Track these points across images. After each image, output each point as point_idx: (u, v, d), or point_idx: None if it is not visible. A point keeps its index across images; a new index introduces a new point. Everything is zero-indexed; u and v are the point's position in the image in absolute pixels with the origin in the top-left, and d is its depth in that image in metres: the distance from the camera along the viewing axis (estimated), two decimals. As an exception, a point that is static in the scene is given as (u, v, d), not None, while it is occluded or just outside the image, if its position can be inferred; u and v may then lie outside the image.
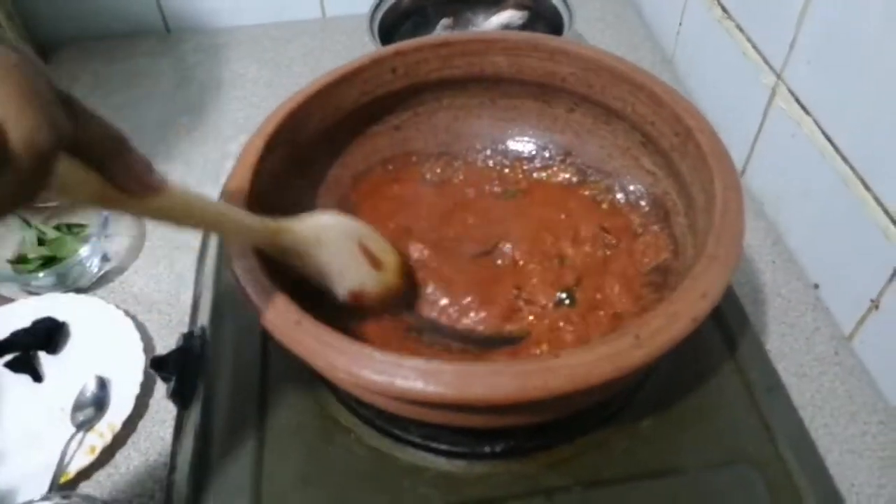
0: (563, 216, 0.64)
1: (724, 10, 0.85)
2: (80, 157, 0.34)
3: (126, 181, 0.36)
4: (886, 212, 0.61)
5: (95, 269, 0.75)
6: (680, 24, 0.98)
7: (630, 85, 0.59)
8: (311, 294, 0.51)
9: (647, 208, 0.62)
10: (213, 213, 0.45)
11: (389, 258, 0.57)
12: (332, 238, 0.53)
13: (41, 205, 0.78)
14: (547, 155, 0.68)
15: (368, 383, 0.41)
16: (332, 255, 0.52)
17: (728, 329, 0.60)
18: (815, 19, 0.68)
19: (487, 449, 0.52)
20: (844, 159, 0.66)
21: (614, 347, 0.41)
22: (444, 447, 0.52)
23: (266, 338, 0.59)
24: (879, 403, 0.63)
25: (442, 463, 0.53)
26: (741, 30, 0.81)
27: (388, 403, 0.47)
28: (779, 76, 0.74)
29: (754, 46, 0.79)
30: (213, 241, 0.67)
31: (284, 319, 0.44)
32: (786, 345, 0.67)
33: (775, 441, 0.53)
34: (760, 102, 0.78)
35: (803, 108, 0.71)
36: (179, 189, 0.40)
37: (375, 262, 0.55)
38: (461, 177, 0.68)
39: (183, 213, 0.42)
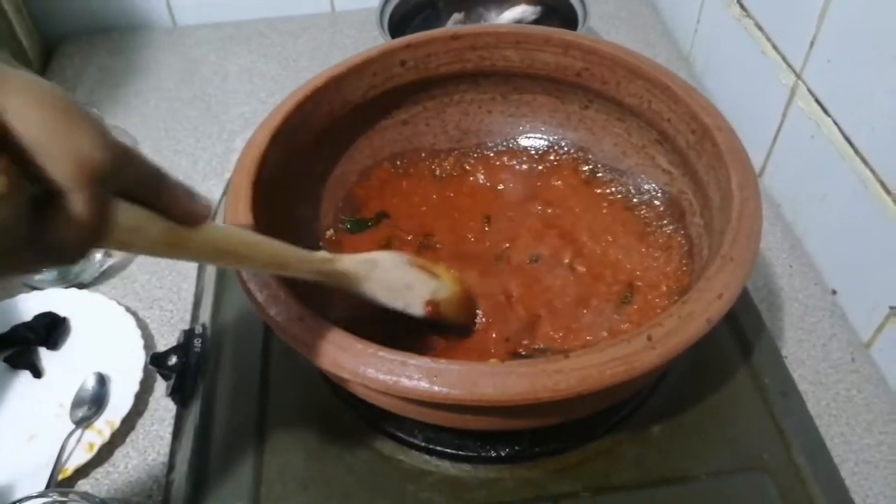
0: (576, 212, 0.62)
1: (742, 7, 0.83)
2: (130, 197, 0.31)
3: (181, 212, 0.34)
4: (907, 216, 0.60)
5: (98, 265, 0.74)
6: (697, 21, 0.96)
7: (646, 81, 0.58)
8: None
9: (661, 208, 0.60)
10: (269, 244, 0.43)
11: (440, 270, 0.56)
12: (384, 259, 0.53)
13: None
14: (560, 152, 0.67)
15: (373, 382, 0.40)
16: (393, 272, 0.52)
17: (743, 333, 0.58)
18: (837, 17, 0.66)
19: (493, 453, 0.51)
20: (864, 161, 0.64)
21: (626, 348, 0.40)
22: (449, 450, 0.51)
23: (268, 336, 0.58)
24: (897, 413, 0.61)
25: (447, 467, 0.51)
26: (760, 28, 0.80)
27: (394, 404, 0.46)
28: (798, 75, 0.73)
29: (773, 45, 0.77)
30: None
31: (287, 316, 0.43)
32: (802, 351, 0.65)
33: (789, 448, 0.52)
34: (779, 102, 0.76)
35: (823, 108, 0.69)
36: (232, 228, 0.40)
37: (432, 275, 0.55)
38: (471, 174, 0.67)
39: (240, 246, 0.40)
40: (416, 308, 0.53)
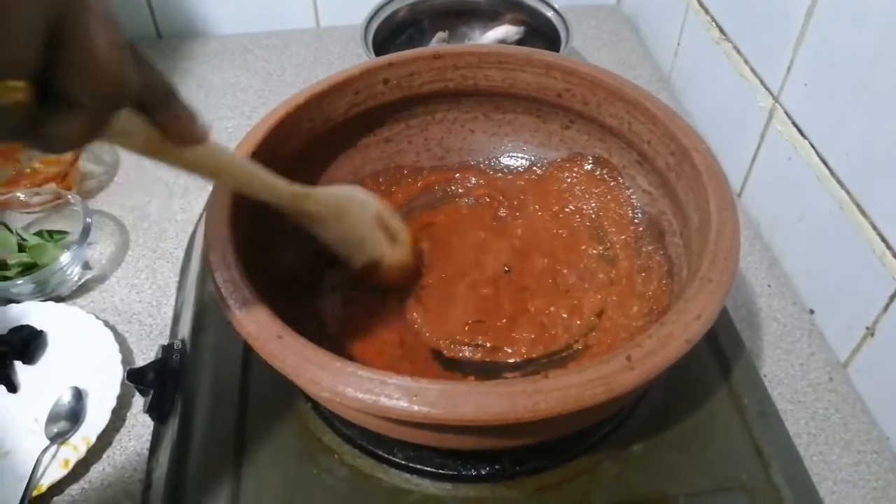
0: (560, 235, 0.63)
1: (721, 31, 0.84)
2: (135, 104, 0.35)
3: (175, 130, 0.37)
4: (883, 238, 0.60)
5: (76, 278, 0.73)
6: (678, 43, 0.97)
7: (626, 103, 0.58)
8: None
9: (642, 228, 0.61)
10: (247, 169, 0.47)
11: (404, 235, 0.58)
12: (354, 209, 0.55)
13: (26, 210, 0.77)
14: (541, 172, 0.67)
15: (352, 401, 0.40)
16: (354, 225, 0.55)
17: (722, 353, 0.58)
18: (813, 43, 0.67)
19: (474, 472, 0.51)
20: (840, 184, 0.65)
21: (606, 369, 0.40)
22: (429, 469, 0.51)
23: (248, 353, 0.58)
24: (874, 432, 0.62)
25: (427, 485, 0.51)
26: (739, 51, 0.81)
27: (373, 423, 0.45)
28: (776, 99, 0.74)
29: (751, 68, 0.78)
30: (196, 252, 0.66)
31: (266, 333, 0.43)
32: (781, 370, 0.66)
33: (768, 468, 0.52)
34: (757, 125, 0.77)
35: (800, 131, 0.70)
36: (218, 144, 0.42)
37: (392, 237, 0.57)
38: (454, 193, 0.67)
39: (219, 166, 0.43)
40: (355, 262, 0.56)
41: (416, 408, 0.39)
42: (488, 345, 0.56)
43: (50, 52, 0.28)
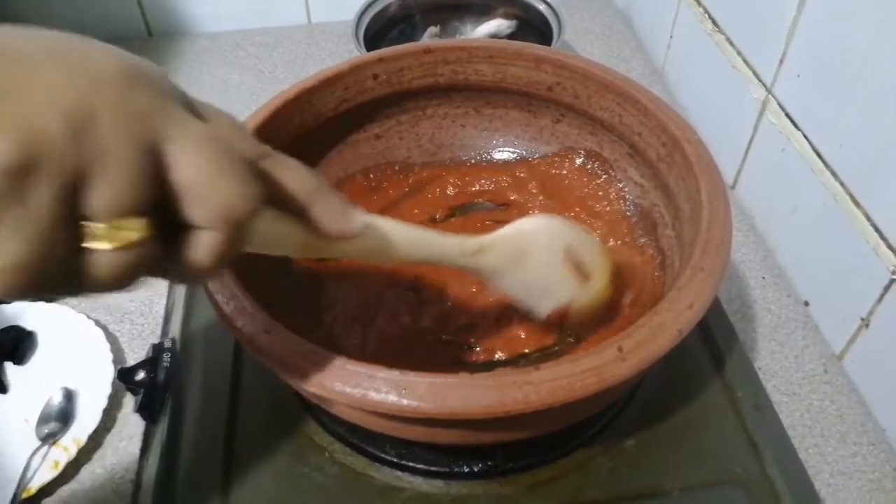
0: None
1: (714, 23, 0.84)
2: (280, 207, 0.33)
3: (328, 228, 0.35)
4: (877, 229, 0.60)
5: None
6: (671, 36, 0.97)
7: (617, 95, 0.58)
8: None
9: (634, 220, 0.60)
10: (416, 241, 0.42)
11: (599, 265, 0.51)
12: (536, 252, 0.48)
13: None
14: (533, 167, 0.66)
15: (341, 396, 0.40)
16: (539, 272, 0.48)
17: (716, 346, 0.58)
18: (805, 34, 0.67)
19: (466, 468, 0.51)
20: (834, 175, 0.64)
21: (597, 360, 0.40)
22: (421, 466, 0.51)
23: (238, 351, 0.58)
24: (869, 424, 0.61)
25: (419, 483, 0.51)
26: (731, 43, 0.81)
27: (363, 418, 0.45)
28: (769, 90, 0.73)
29: (745, 60, 0.78)
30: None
31: (254, 328, 0.42)
32: (775, 362, 0.65)
33: (762, 461, 0.52)
34: (751, 116, 0.77)
35: (793, 122, 0.70)
36: (379, 222, 0.39)
37: (584, 274, 0.50)
38: (445, 188, 0.67)
39: (386, 247, 0.40)
40: (541, 312, 0.49)
41: (405, 402, 0.38)
42: (478, 349, 0.55)
43: (160, 183, 0.27)
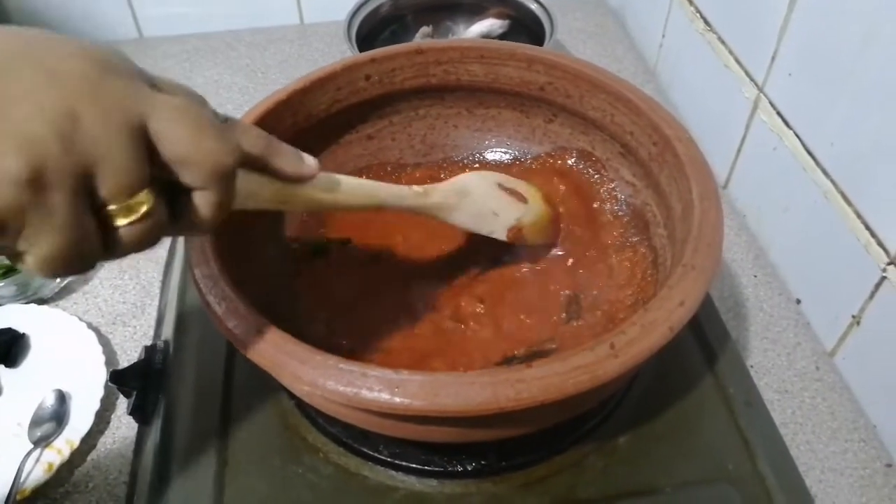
0: None
1: (706, 22, 0.84)
2: (247, 165, 0.37)
3: (288, 170, 0.39)
4: (867, 227, 0.60)
5: (58, 279, 0.73)
6: (663, 35, 0.97)
7: (608, 94, 0.58)
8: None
9: (626, 219, 0.61)
10: (369, 186, 0.49)
11: (530, 190, 0.60)
12: (475, 185, 0.57)
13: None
14: (525, 167, 0.67)
15: (333, 394, 0.40)
16: (482, 200, 0.57)
17: (708, 343, 0.58)
18: (796, 32, 0.67)
19: (459, 467, 0.51)
20: (825, 173, 0.65)
21: (589, 357, 0.40)
22: (414, 465, 0.51)
23: (231, 353, 0.57)
24: (860, 421, 0.62)
25: (412, 482, 0.51)
26: (723, 42, 0.81)
27: (356, 417, 0.45)
28: (760, 89, 0.74)
29: (736, 59, 0.78)
30: (180, 252, 0.65)
31: (246, 328, 0.42)
32: (768, 360, 0.66)
33: (754, 458, 0.52)
34: (742, 115, 0.77)
35: (785, 121, 0.70)
36: (333, 174, 0.44)
37: (520, 197, 0.59)
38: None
39: (343, 193, 0.44)
40: (500, 234, 0.57)
41: (397, 399, 0.39)
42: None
43: (151, 156, 0.31)
